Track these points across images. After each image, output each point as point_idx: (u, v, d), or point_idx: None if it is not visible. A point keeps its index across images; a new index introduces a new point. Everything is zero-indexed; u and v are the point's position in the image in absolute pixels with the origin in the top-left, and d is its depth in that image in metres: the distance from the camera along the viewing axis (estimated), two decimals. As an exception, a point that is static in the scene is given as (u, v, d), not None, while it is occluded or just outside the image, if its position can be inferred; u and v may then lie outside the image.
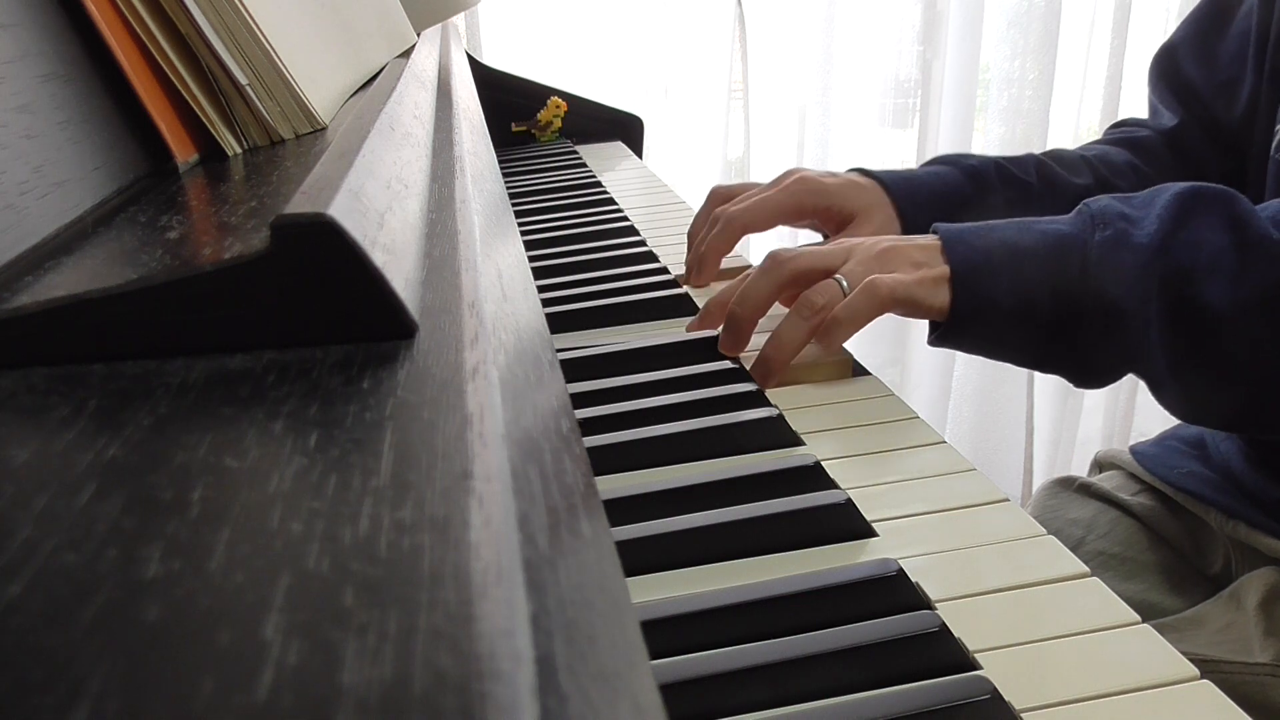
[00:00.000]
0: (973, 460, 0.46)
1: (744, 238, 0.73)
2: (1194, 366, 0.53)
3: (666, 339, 0.60)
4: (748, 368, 0.56)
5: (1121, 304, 0.51)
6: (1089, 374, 0.55)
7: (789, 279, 0.56)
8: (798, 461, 0.45)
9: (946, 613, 0.35)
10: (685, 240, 0.74)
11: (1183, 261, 0.51)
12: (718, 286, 0.67)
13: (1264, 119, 0.74)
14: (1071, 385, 0.57)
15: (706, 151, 1.57)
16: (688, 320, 0.62)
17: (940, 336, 0.55)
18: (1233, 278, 0.51)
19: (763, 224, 0.69)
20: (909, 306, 0.53)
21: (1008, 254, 0.53)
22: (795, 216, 0.69)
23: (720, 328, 0.58)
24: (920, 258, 0.54)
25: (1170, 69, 0.84)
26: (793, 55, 1.57)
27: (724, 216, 0.68)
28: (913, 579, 0.37)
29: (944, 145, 1.61)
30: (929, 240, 0.55)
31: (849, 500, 0.42)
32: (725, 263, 0.73)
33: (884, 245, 0.55)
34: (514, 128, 1.29)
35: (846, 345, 0.57)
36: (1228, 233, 0.51)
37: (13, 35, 0.35)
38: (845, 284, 0.54)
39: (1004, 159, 0.74)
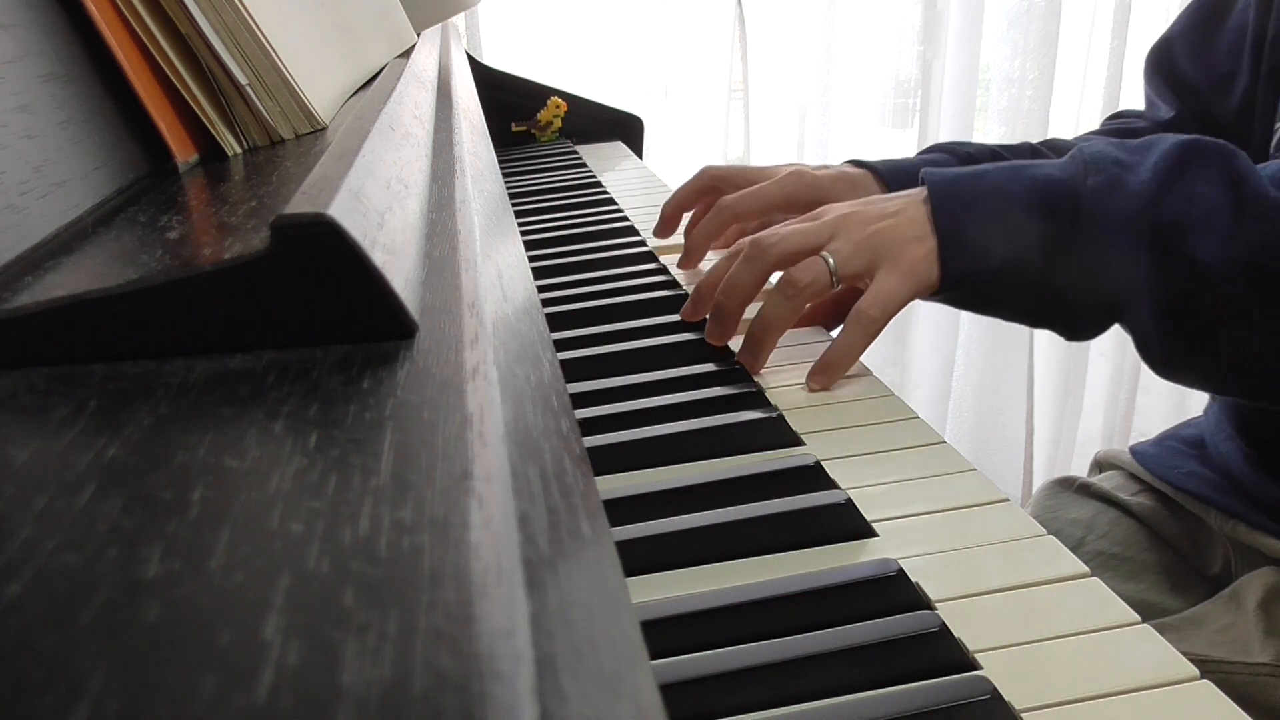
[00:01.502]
0: (973, 460, 0.46)
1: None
2: (1181, 321, 0.52)
3: (666, 339, 0.60)
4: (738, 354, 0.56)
5: (1111, 252, 0.51)
6: (1079, 325, 0.55)
7: (774, 264, 0.55)
8: (798, 461, 0.45)
9: (946, 613, 0.35)
10: (684, 239, 0.75)
11: (1176, 214, 0.50)
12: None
13: (1261, 115, 0.74)
14: (1063, 339, 0.56)
15: (706, 151, 1.57)
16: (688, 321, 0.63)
17: (931, 297, 0.55)
18: (1226, 234, 0.49)
19: (754, 215, 0.70)
20: (903, 306, 0.53)
21: (996, 202, 0.52)
22: (787, 209, 0.70)
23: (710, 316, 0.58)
24: (909, 232, 0.53)
25: (1166, 62, 0.84)
26: (793, 55, 1.57)
27: (717, 205, 0.69)
28: (913, 579, 0.37)
29: (944, 145, 1.61)
30: (917, 208, 0.54)
31: (849, 500, 0.42)
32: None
33: (872, 229, 0.54)
34: (514, 128, 1.29)
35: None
36: (1225, 188, 0.50)
37: (13, 35, 0.35)
38: (832, 262, 0.53)
39: (1000, 147, 0.74)
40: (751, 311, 0.57)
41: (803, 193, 0.68)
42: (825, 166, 0.71)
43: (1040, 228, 0.52)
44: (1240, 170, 0.51)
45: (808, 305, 0.55)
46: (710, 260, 0.74)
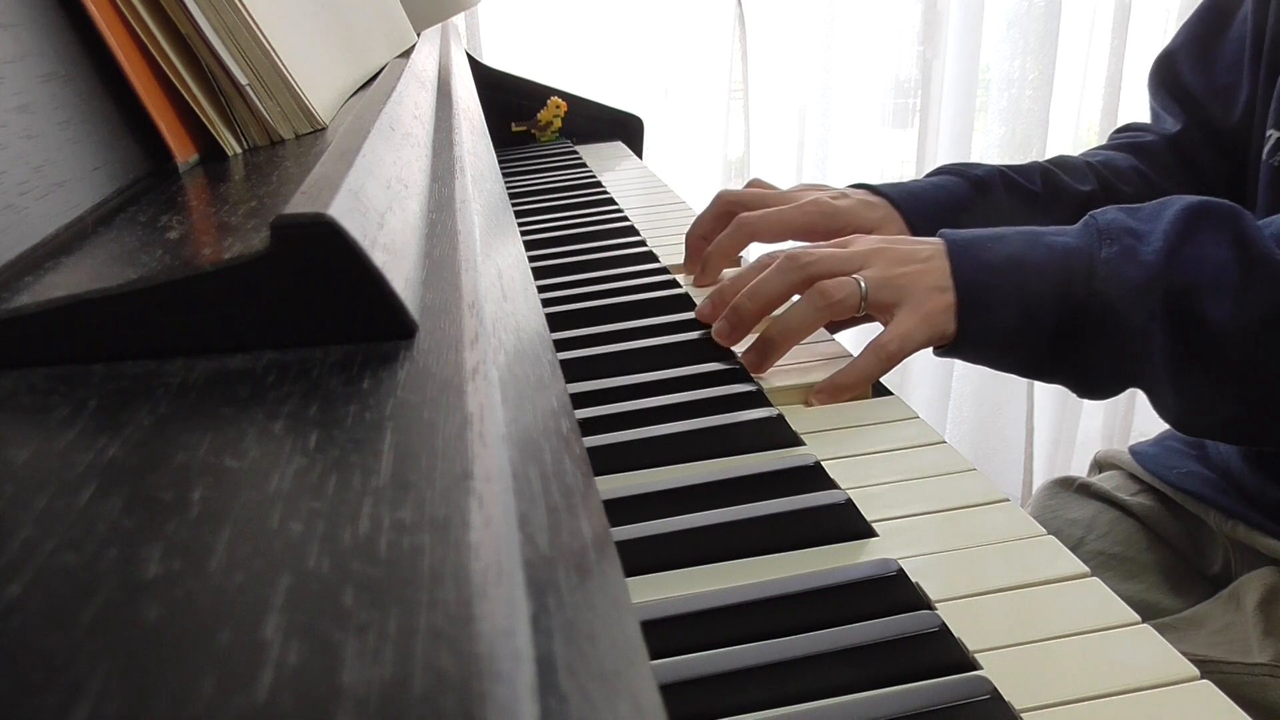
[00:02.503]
0: (973, 460, 0.46)
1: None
2: (1193, 380, 0.53)
3: (666, 339, 0.60)
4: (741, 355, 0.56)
5: (1125, 318, 0.52)
6: (1092, 387, 0.56)
7: (804, 281, 0.56)
8: (798, 461, 0.45)
9: (946, 613, 0.35)
10: (685, 240, 0.74)
11: (1186, 277, 0.51)
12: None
13: (1260, 124, 0.74)
14: (1075, 396, 0.57)
15: (706, 151, 1.57)
16: (688, 320, 0.62)
17: (944, 352, 0.56)
18: (1235, 296, 0.51)
19: (773, 237, 0.70)
20: (918, 349, 0.54)
21: (1014, 268, 0.54)
22: (807, 236, 0.70)
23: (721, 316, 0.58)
24: (934, 281, 0.54)
25: (1170, 75, 0.84)
26: (793, 55, 1.57)
27: (737, 221, 0.69)
28: (913, 579, 0.37)
29: (944, 145, 1.61)
30: (942, 259, 0.55)
31: (849, 500, 0.42)
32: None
33: (901, 269, 0.55)
34: (514, 128, 1.28)
35: (849, 348, 0.57)
36: (1231, 250, 0.52)
37: (13, 35, 0.35)
38: (864, 286, 0.54)
39: (1009, 168, 0.74)
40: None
41: (822, 221, 0.68)
42: (844, 194, 0.71)
43: (1054, 295, 0.53)
44: (1246, 231, 0.53)
45: (828, 322, 0.56)
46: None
